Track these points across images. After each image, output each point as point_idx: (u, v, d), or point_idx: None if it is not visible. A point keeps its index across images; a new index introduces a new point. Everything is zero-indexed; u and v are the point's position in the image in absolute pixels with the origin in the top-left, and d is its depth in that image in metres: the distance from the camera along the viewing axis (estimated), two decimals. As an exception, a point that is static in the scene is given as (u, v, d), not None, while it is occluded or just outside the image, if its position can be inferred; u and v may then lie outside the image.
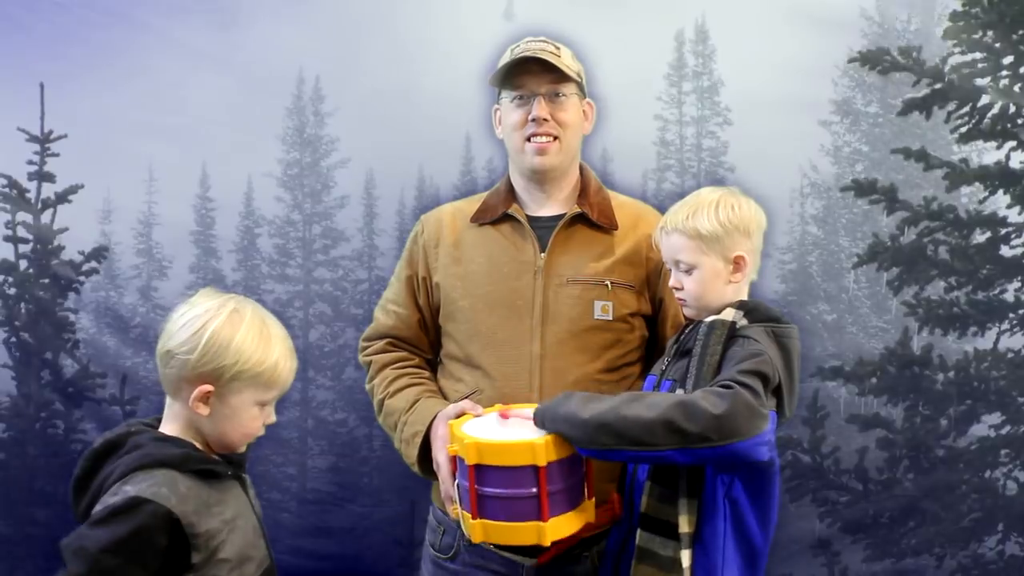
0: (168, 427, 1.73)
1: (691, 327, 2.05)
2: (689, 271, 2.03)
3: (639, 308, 2.23)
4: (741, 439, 1.75)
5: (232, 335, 1.67)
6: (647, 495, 1.94)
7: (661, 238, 2.07)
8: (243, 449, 1.78)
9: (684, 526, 1.89)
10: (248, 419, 1.74)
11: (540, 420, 1.89)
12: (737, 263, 2.02)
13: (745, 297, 2.07)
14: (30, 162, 8.14)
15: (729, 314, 1.97)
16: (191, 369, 1.67)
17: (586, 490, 1.97)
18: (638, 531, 1.94)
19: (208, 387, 1.68)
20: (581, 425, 1.82)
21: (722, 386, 1.80)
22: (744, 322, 1.96)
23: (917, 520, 6.52)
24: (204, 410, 1.69)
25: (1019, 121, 5.69)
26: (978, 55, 5.67)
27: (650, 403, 1.80)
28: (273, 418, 1.77)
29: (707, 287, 2.02)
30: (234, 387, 1.69)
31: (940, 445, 6.51)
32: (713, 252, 2.00)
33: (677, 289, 2.06)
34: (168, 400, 1.74)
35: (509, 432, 1.92)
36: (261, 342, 1.70)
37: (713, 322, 1.96)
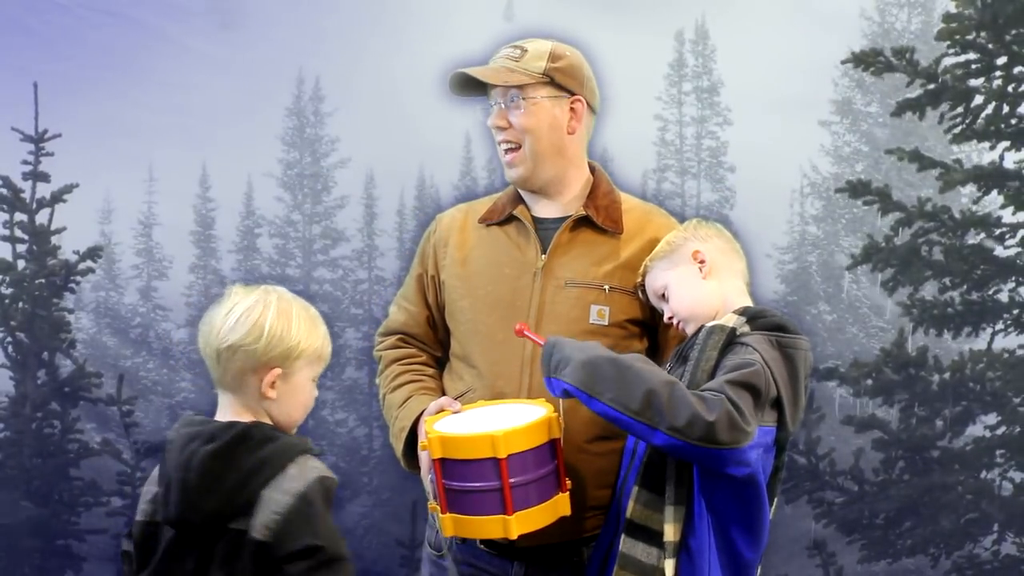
0: (245, 418, 1.83)
1: (693, 335, 2.03)
2: (666, 295, 2.05)
3: (638, 315, 2.23)
4: (718, 447, 1.75)
5: (289, 320, 1.80)
6: (634, 500, 1.91)
7: (645, 292, 2.13)
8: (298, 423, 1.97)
9: (670, 534, 1.85)
10: (308, 394, 1.87)
11: (550, 345, 1.93)
12: (698, 258, 2.04)
13: (748, 303, 2.03)
14: (25, 162, 8.13)
15: (730, 320, 1.93)
16: (260, 357, 1.78)
17: (560, 483, 1.96)
18: (622, 536, 1.91)
19: (279, 370, 1.79)
20: (575, 359, 1.84)
21: (711, 393, 1.78)
22: (745, 328, 1.91)
23: (913, 521, 6.52)
24: (273, 393, 1.80)
25: (1012, 121, 5.68)
26: (971, 56, 5.66)
27: (648, 369, 1.81)
28: (316, 392, 1.91)
29: (684, 293, 2.02)
30: (296, 366, 1.82)
31: (936, 446, 6.50)
32: (674, 265, 2.05)
33: (671, 319, 2.07)
34: (229, 396, 1.83)
35: (475, 426, 1.93)
36: (310, 323, 1.84)
37: (713, 327, 1.93)
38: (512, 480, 1.84)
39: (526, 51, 2.20)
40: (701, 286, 2.02)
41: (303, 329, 1.81)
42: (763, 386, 1.81)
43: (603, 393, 1.79)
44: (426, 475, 2.05)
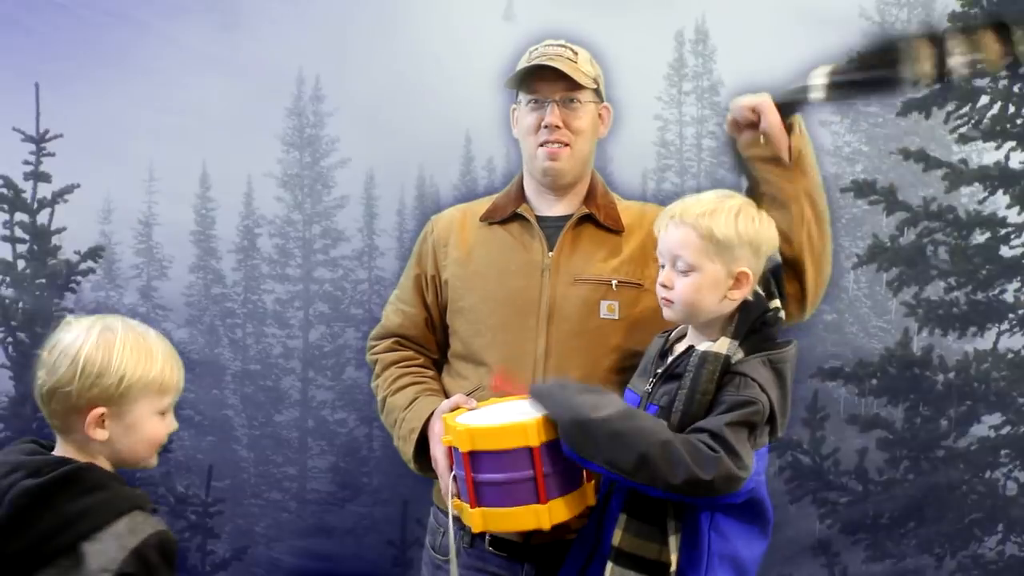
0: (80, 459, 1.68)
1: (682, 353, 1.92)
2: (687, 272, 1.87)
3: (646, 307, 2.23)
4: (712, 496, 1.73)
5: (109, 354, 1.65)
6: (622, 528, 1.85)
7: (668, 228, 1.91)
8: (154, 463, 1.76)
9: (675, 563, 1.80)
10: (153, 429, 1.71)
11: (536, 395, 1.89)
12: (739, 280, 1.87)
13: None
14: (26, 162, 8.13)
15: (723, 345, 1.84)
16: (75, 399, 1.64)
17: (584, 473, 1.96)
18: (609, 565, 1.84)
19: (101, 409, 1.65)
20: (563, 419, 1.80)
21: (708, 445, 1.72)
22: (740, 355, 1.83)
23: (917, 521, 6.52)
24: (103, 435, 1.66)
25: (1018, 121, 5.69)
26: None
27: (638, 428, 1.76)
28: (175, 425, 1.75)
29: (702, 295, 1.88)
30: (127, 403, 1.67)
31: (940, 446, 6.51)
32: (719, 260, 1.86)
33: (665, 287, 1.90)
34: (60, 439, 1.69)
35: (502, 417, 1.92)
36: (140, 353, 1.67)
37: (705, 354, 1.83)
38: (545, 469, 1.84)
39: (576, 53, 2.24)
40: (720, 301, 1.89)
41: (128, 362, 1.64)
42: (761, 420, 1.78)
43: (595, 456, 1.78)
44: (445, 473, 2.03)
